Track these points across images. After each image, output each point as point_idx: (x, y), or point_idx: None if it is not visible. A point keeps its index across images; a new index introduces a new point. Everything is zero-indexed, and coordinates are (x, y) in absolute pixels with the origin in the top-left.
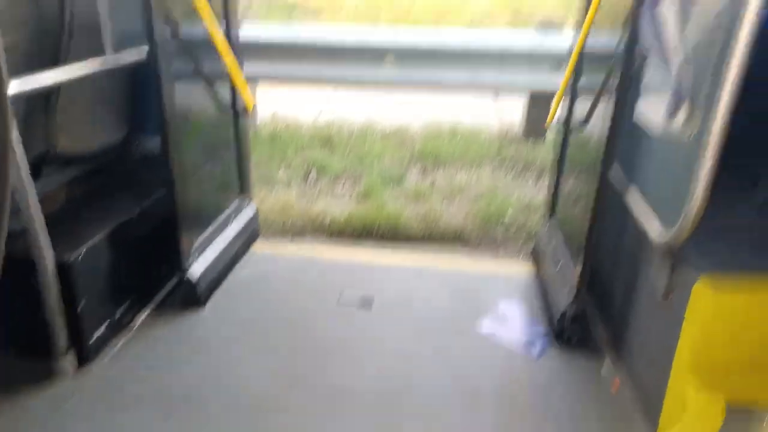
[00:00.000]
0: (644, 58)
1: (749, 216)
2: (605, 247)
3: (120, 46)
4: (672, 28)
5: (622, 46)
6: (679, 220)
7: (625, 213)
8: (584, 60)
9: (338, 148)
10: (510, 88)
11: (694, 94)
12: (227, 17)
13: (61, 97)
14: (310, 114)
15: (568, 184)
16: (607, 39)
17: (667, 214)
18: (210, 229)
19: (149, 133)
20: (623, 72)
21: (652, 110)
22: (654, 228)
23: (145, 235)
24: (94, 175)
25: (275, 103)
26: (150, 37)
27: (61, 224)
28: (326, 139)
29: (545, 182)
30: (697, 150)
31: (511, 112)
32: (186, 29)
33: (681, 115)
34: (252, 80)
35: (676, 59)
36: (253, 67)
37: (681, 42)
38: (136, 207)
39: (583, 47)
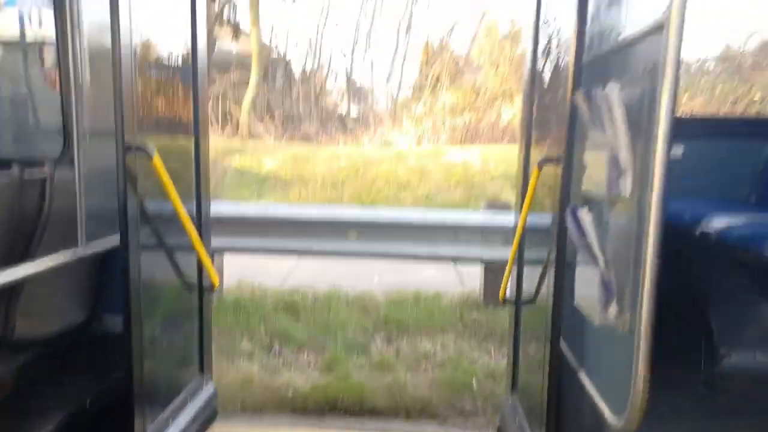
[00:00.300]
0: (575, 248)
1: (696, 395)
2: (567, 423)
3: (91, 234)
4: (592, 233)
5: (556, 231)
6: (626, 408)
7: (581, 388)
8: (527, 236)
9: (302, 315)
10: (466, 259)
11: (620, 294)
12: (198, 194)
13: (26, 284)
14: (275, 279)
15: (525, 357)
16: (546, 219)
17: (614, 399)
18: (165, 413)
19: (110, 313)
20: (558, 257)
21: (586, 299)
22: (606, 411)
23: (95, 423)
24: (48, 359)
25: (242, 269)
26: (123, 227)
27: (4, 417)
28: (291, 305)
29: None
30: (633, 342)
31: (472, 276)
32: (156, 209)
33: (612, 310)
34: (221, 252)
35: (600, 260)
36: (223, 240)
37: (600, 246)
38: (88, 394)
39: (525, 225)
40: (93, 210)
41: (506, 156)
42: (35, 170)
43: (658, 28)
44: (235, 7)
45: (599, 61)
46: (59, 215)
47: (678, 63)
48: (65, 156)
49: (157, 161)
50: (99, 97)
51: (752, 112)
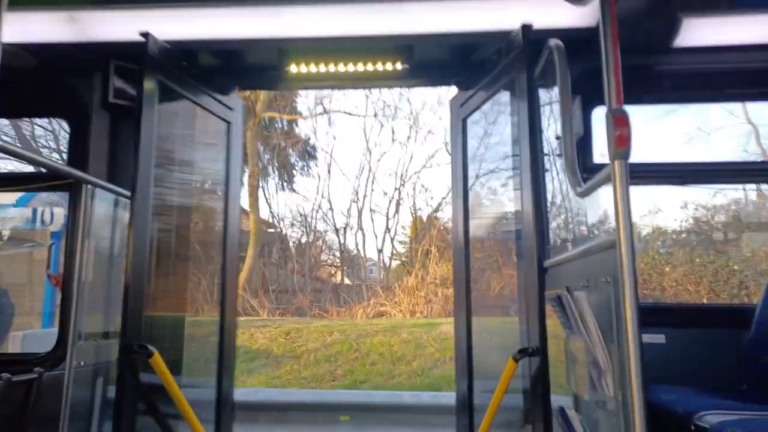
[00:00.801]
0: None
1: None
2: None
3: None
4: None
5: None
6: None
7: None
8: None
9: None
10: None
11: None
12: (220, 376)
13: None
14: None
15: None
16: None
17: None
18: None
19: None
20: None
21: None
22: None
23: None
24: None
25: None
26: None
27: None
28: None
29: None
30: None
31: None
32: (156, 406)
33: None
34: None
35: None
36: None
37: None
38: None
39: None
40: (80, 410)
41: (500, 328)
42: (24, 370)
43: (611, 244)
44: None
45: (560, 265)
46: (44, 417)
47: (634, 274)
48: (56, 354)
49: (157, 359)
50: (99, 298)
51: (734, 281)
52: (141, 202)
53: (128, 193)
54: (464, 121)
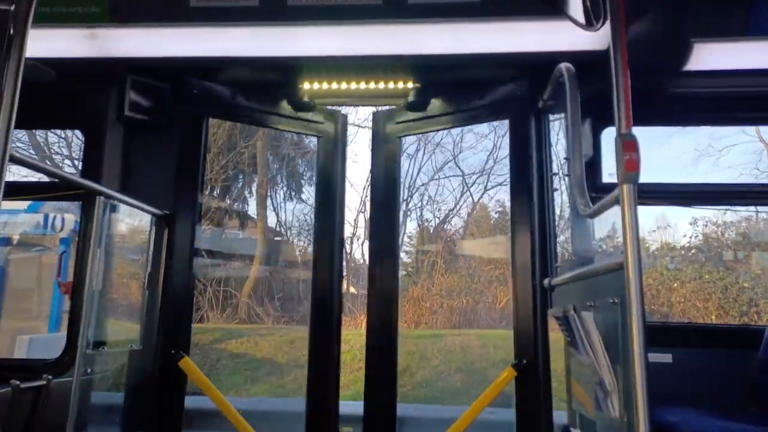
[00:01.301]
0: None
1: None
2: None
3: None
4: None
5: None
6: None
7: None
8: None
9: None
10: None
11: None
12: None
13: None
14: None
15: None
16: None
17: None
18: None
19: None
20: None
21: None
22: None
23: None
24: None
25: None
26: None
27: None
28: None
29: None
30: None
31: None
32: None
33: None
34: None
35: None
36: None
37: None
38: None
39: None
40: (87, 417)
41: (505, 342)
42: (32, 377)
43: (620, 266)
44: (246, 200)
45: (567, 284)
46: (52, 424)
47: (641, 296)
48: (63, 361)
49: (187, 362)
50: (114, 304)
51: (744, 299)
52: (183, 222)
53: (161, 212)
54: (400, 138)
